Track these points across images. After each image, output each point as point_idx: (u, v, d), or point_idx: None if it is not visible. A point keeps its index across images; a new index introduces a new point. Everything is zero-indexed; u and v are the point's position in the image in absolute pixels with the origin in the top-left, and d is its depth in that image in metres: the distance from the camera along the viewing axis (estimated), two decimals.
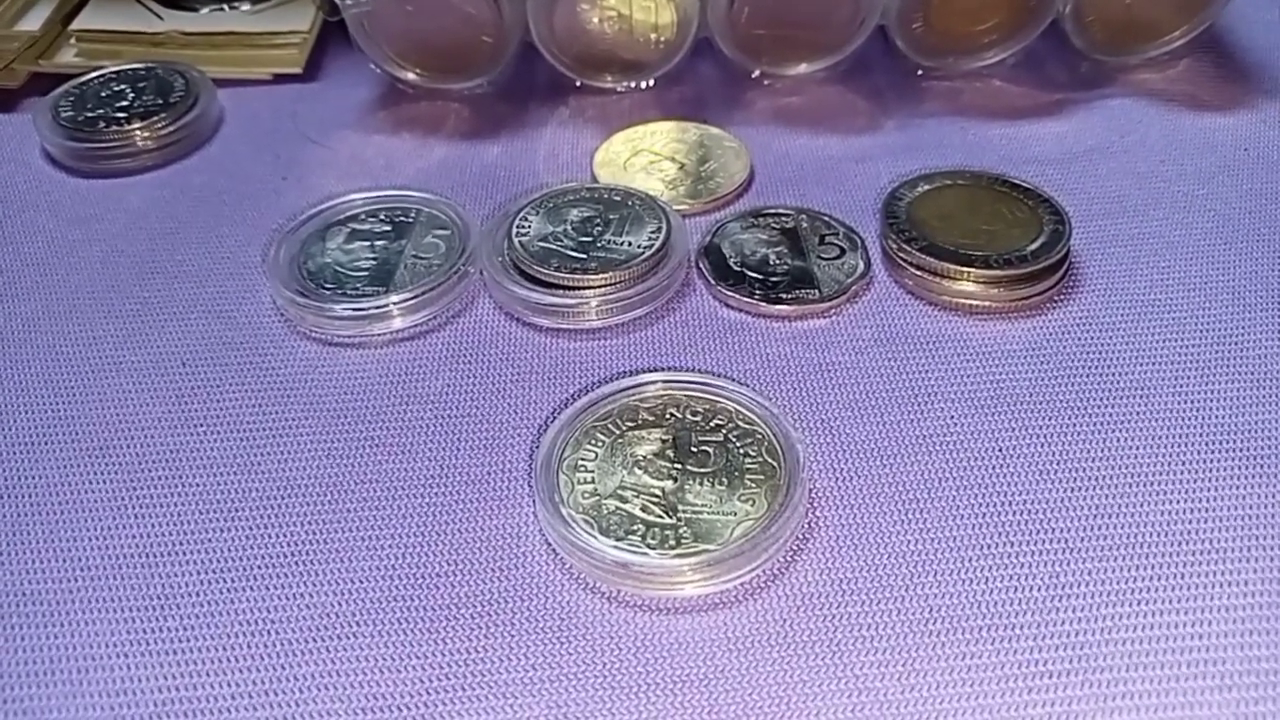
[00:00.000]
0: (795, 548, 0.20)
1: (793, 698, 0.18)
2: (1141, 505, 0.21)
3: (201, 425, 0.24)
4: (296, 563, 0.21)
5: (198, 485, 0.22)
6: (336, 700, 0.18)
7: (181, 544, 0.21)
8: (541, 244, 0.27)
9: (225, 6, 0.37)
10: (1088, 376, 0.24)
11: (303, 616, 0.20)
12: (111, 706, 0.18)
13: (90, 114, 0.32)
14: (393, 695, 0.18)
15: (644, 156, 0.31)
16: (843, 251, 0.27)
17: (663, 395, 0.23)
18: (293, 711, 0.18)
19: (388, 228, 0.28)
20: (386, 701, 0.18)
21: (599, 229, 0.27)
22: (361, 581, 0.20)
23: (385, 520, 0.21)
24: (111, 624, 0.20)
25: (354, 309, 0.25)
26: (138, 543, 0.21)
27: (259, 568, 0.21)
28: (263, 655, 0.19)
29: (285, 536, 0.21)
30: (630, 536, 0.20)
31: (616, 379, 0.23)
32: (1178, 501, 0.21)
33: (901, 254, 0.26)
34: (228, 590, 0.20)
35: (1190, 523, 0.20)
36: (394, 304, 0.26)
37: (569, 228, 0.27)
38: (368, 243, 0.28)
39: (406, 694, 0.18)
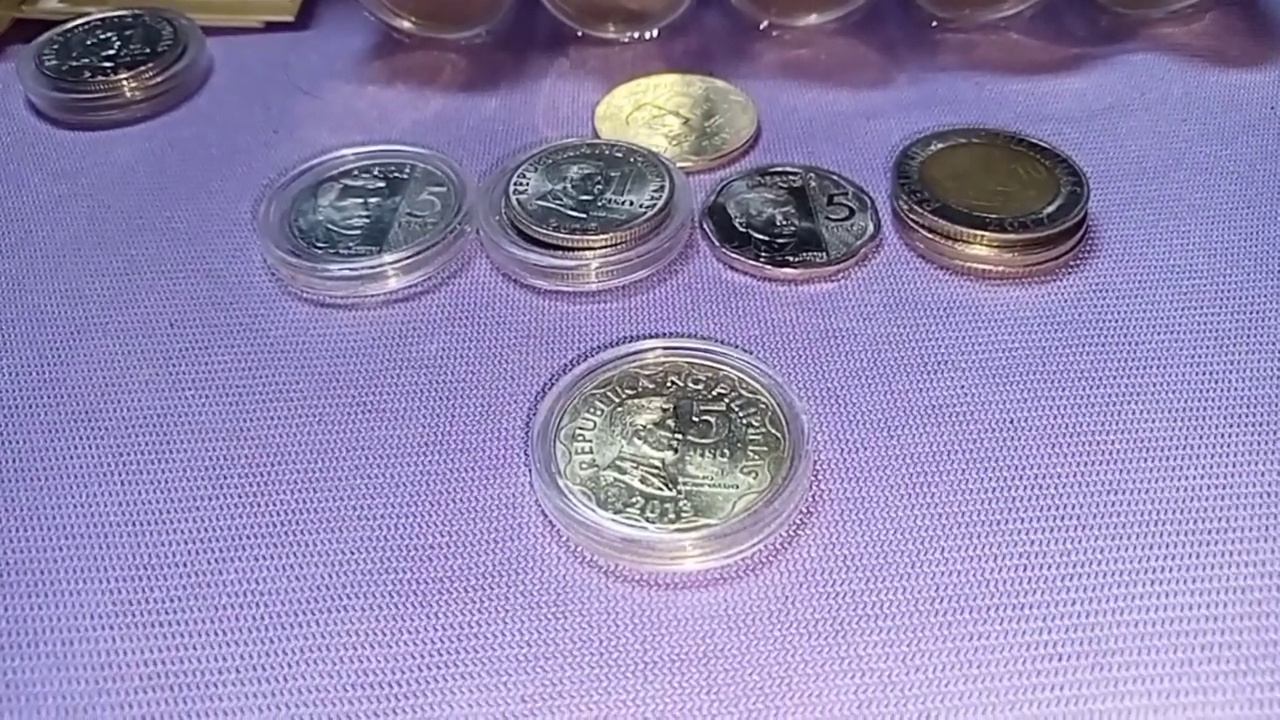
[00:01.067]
0: (798, 522, 0.20)
1: (794, 678, 0.18)
2: (1156, 481, 0.20)
3: (190, 388, 0.23)
4: (286, 532, 0.20)
5: (185, 451, 0.22)
6: (326, 675, 0.18)
7: (168, 512, 0.21)
8: (540, 203, 0.26)
9: None
10: (1103, 345, 0.23)
11: (292, 588, 0.19)
12: (97, 680, 0.18)
13: (75, 63, 0.31)
14: (383, 671, 0.18)
15: (647, 110, 0.30)
16: (851, 212, 0.26)
17: (664, 362, 0.22)
18: (281, 687, 0.18)
19: (381, 184, 0.27)
20: (377, 678, 0.18)
21: (599, 187, 0.26)
22: (352, 553, 0.20)
23: (377, 489, 0.21)
24: (97, 594, 0.19)
25: (347, 269, 0.25)
26: (123, 510, 0.21)
27: (247, 537, 0.20)
28: (251, 628, 0.19)
29: (274, 505, 0.21)
30: (629, 509, 0.19)
31: (616, 344, 0.23)
32: (1194, 478, 0.20)
33: (912, 216, 0.25)
34: (215, 560, 0.20)
35: (1206, 500, 0.20)
36: (388, 264, 0.25)
37: (568, 186, 0.26)
38: (361, 200, 0.27)
39: (397, 670, 0.18)
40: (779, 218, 0.26)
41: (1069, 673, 0.17)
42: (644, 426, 0.21)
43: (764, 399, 0.21)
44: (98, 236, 0.27)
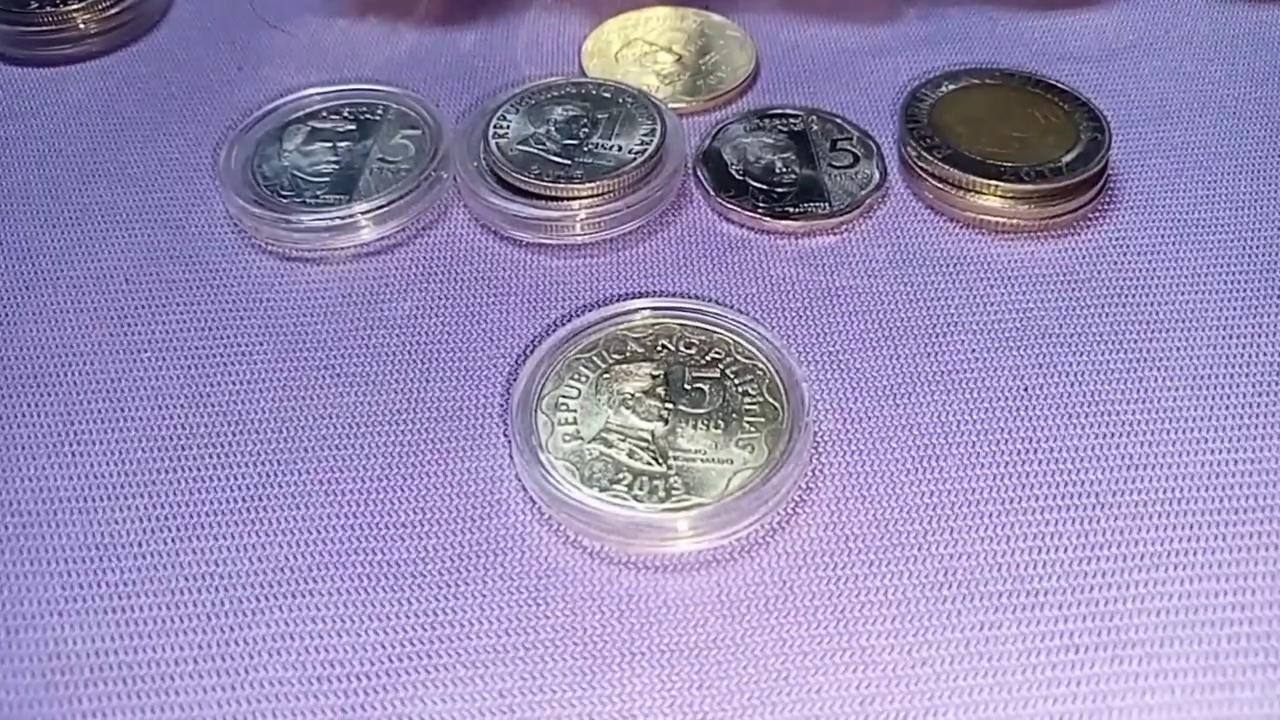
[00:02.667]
0: (797, 499, 0.19)
1: (791, 671, 0.16)
2: (1180, 455, 0.19)
3: (145, 350, 0.21)
4: (248, 509, 0.19)
5: (141, 419, 0.20)
6: (289, 667, 0.17)
7: (122, 487, 0.19)
8: (521, 147, 0.24)
9: None
10: (1124, 305, 0.21)
11: (254, 570, 0.18)
12: (44, 672, 0.17)
13: None
14: (351, 662, 0.17)
15: (637, 46, 0.28)
16: (856, 159, 0.24)
17: (654, 324, 0.21)
18: (241, 679, 0.17)
19: (352, 127, 0.25)
20: (344, 669, 0.17)
21: (586, 131, 0.24)
22: (318, 532, 0.18)
23: (345, 461, 0.19)
24: (45, 577, 0.18)
25: (315, 220, 0.23)
26: (73, 485, 0.19)
27: (207, 514, 0.19)
28: (210, 614, 0.17)
29: (236, 479, 0.19)
30: (615, 486, 0.18)
31: (603, 304, 0.21)
32: (1221, 451, 0.19)
33: (921, 163, 0.24)
34: (172, 540, 0.18)
35: (1235, 475, 0.19)
36: (359, 214, 0.23)
37: (552, 129, 0.24)
38: (329, 144, 0.25)
39: (366, 660, 0.17)
40: (778, 165, 0.24)
41: (1086, 665, 0.16)
42: (632, 395, 0.19)
43: (761, 365, 0.20)
44: (47, 183, 0.25)
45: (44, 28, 0.28)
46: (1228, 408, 0.20)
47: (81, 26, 0.29)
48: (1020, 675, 0.16)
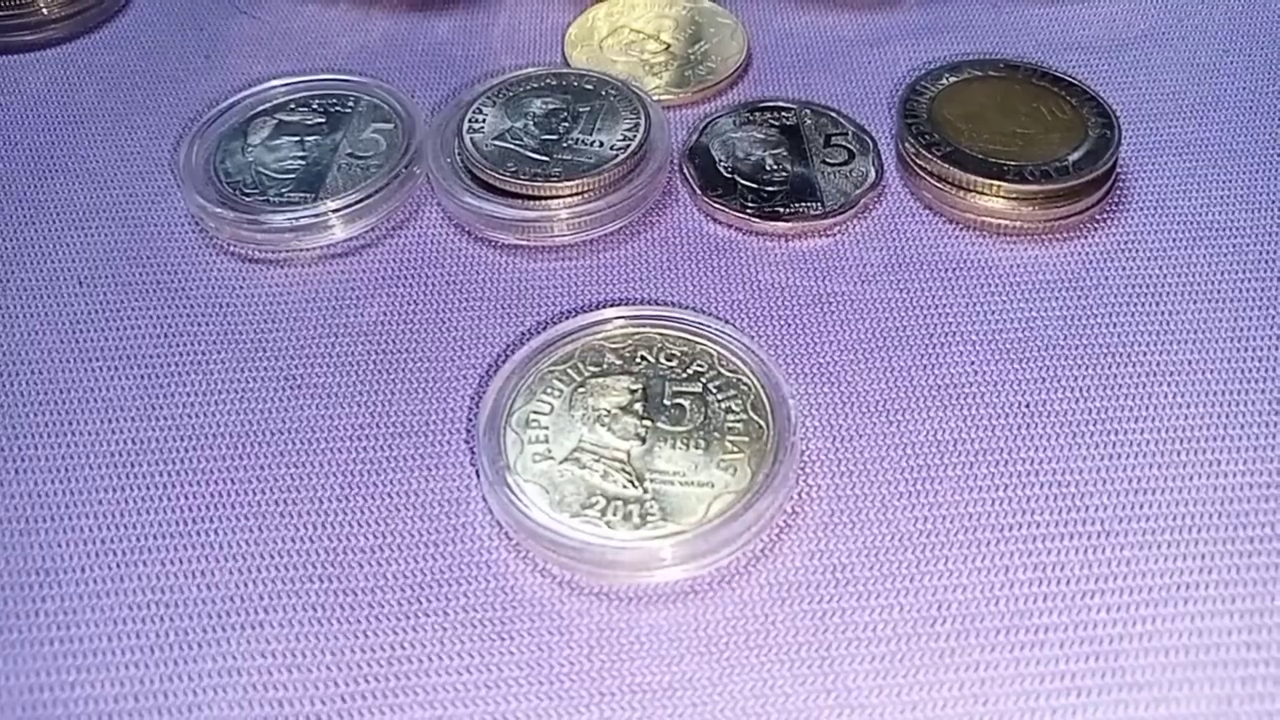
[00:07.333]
0: (782, 524, 0.17)
1: (771, 715, 0.15)
2: (1192, 479, 0.18)
3: (98, 358, 0.20)
4: (198, 531, 0.18)
5: (90, 433, 0.19)
6: (234, 705, 0.16)
7: (68, 506, 0.18)
8: (497, 143, 0.23)
9: None
10: (1133, 315, 0.20)
11: (201, 599, 0.17)
12: None
13: None
14: (300, 700, 0.16)
15: (624, 34, 0.27)
16: (851, 156, 0.23)
17: (633, 334, 0.19)
18: (184, 718, 0.16)
19: (320, 119, 0.24)
20: (294, 709, 0.16)
21: (565, 125, 0.23)
22: (272, 556, 0.17)
23: (303, 479, 0.18)
24: None
25: (278, 219, 0.22)
26: (16, 503, 0.18)
27: (155, 537, 0.18)
28: (153, 647, 0.16)
29: (187, 498, 0.18)
30: (588, 511, 0.17)
31: (579, 312, 0.20)
32: (1236, 475, 0.18)
33: (919, 161, 0.22)
34: (117, 565, 0.17)
35: (1251, 501, 0.17)
36: (325, 213, 0.22)
37: (530, 123, 0.23)
38: (296, 138, 0.24)
39: (317, 698, 0.16)
40: (769, 161, 0.23)
41: (1090, 710, 0.15)
42: (608, 411, 0.18)
43: (746, 380, 0.19)
44: (2, 179, 0.24)
45: (3, 12, 0.27)
46: (1243, 427, 0.18)
47: (44, 11, 0.27)
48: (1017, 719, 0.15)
